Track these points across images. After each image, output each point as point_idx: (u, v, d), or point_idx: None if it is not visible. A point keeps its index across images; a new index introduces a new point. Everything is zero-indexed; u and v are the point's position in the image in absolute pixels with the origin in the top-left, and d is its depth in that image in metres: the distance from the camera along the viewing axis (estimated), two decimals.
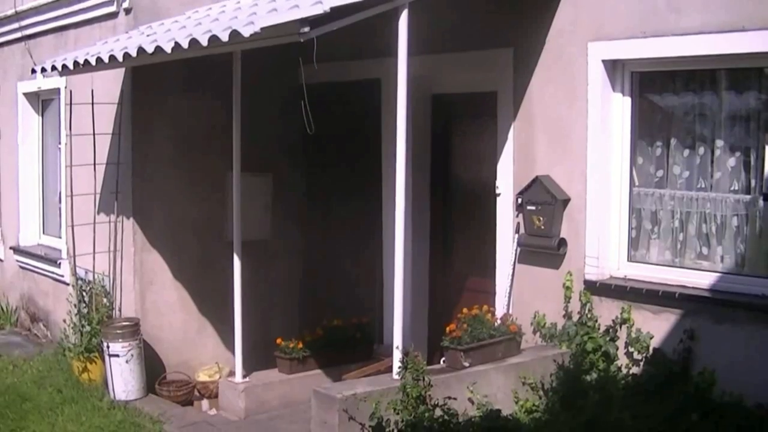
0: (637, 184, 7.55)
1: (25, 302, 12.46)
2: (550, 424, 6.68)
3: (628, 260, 7.58)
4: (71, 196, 9.97)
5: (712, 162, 7.08)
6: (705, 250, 7.17)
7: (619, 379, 7.08)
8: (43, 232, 12.40)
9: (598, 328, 7.40)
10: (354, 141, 10.03)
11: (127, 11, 9.48)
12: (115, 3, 9.57)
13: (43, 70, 9.08)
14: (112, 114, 9.63)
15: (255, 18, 6.42)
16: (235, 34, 6.23)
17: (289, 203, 10.53)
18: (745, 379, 6.47)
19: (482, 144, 8.92)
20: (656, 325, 7.09)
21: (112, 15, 9.76)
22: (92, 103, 9.67)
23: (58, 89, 10.96)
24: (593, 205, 7.52)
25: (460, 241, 9.45)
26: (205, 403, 9.28)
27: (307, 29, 6.08)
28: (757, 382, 6.42)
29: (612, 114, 7.49)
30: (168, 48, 6.95)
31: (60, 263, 11.02)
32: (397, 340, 6.90)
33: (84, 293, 9.79)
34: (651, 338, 7.09)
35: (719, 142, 7.00)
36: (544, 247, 7.79)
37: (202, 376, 9.48)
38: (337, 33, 6.34)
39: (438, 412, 6.37)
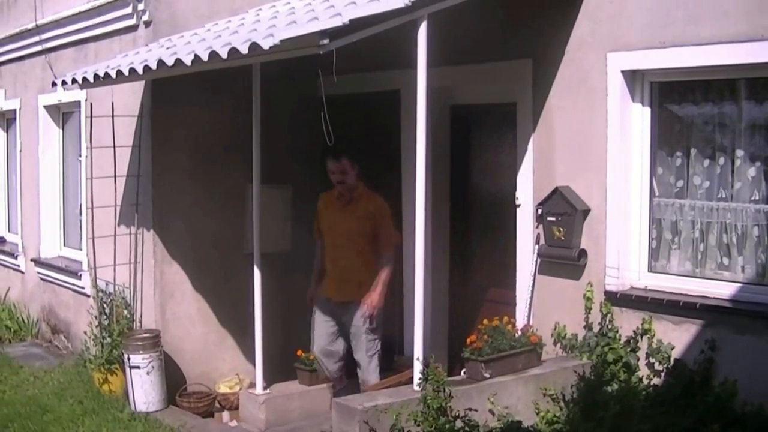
0: (657, 194, 7.53)
1: (46, 314, 12.51)
2: None
3: (648, 271, 7.56)
4: (92, 208, 10.01)
5: (732, 172, 7.05)
6: (726, 261, 7.14)
7: (640, 390, 7.05)
8: (64, 244, 12.47)
9: (619, 339, 7.38)
10: (372, 152, 10.02)
11: (147, 24, 9.52)
12: (135, 16, 9.61)
13: (64, 83, 9.16)
14: (132, 126, 9.68)
15: (274, 30, 6.44)
16: (254, 47, 6.25)
17: (307, 215, 10.53)
18: (767, 390, 6.44)
19: (502, 155, 8.92)
20: (677, 336, 7.06)
21: (132, 28, 9.80)
22: (112, 116, 9.72)
23: (79, 102, 11.02)
24: (613, 216, 7.50)
25: (480, 252, 9.44)
26: (225, 414, 9.29)
27: (326, 41, 6.09)
28: None
29: (632, 124, 7.48)
30: (188, 60, 6.98)
31: (81, 275, 11.07)
32: (418, 351, 6.89)
33: (105, 305, 9.83)
34: (672, 349, 7.07)
35: (739, 152, 6.98)
36: (564, 257, 7.77)
37: (223, 388, 9.50)
38: (356, 45, 6.35)
39: (459, 423, 6.35)
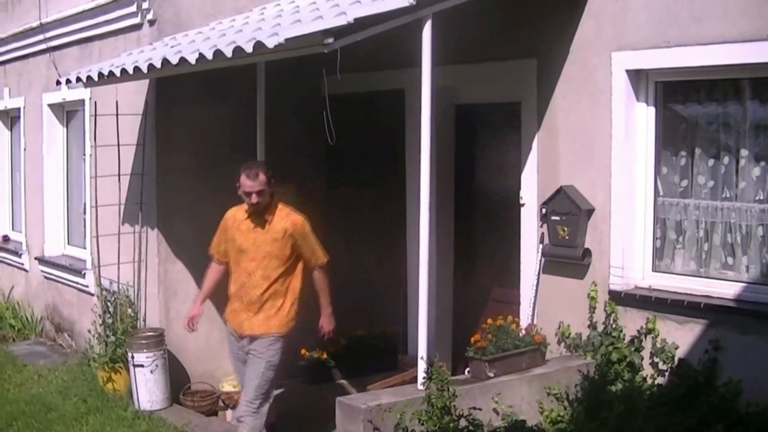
0: (661, 193, 7.53)
1: (49, 312, 12.52)
2: None
3: (652, 270, 7.55)
4: (96, 206, 10.02)
5: (736, 171, 7.05)
6: (730, 260, 7.13)
7: (644, 389, 7.05)
8: (68, 243, 12.48)
9: (623, 339, 7.37)
10: (377, 151, 10.04)
11: (151, 23, 9.53)
12: (140, 15, 9.61)
13: (68, 81, 9.16)
14: (136, 125, 9.68)
15: (279, 29, 6.45)
16: (259, 45, 6.25)
17: (311, 213, 10.51)
18: None
19: (506, 154, 8.91)
20: (681, 336, 7.06)
21: (137, 27, 9.80)
22: (116, 114, 9.72)
23: (83, 100, 11.03)
24: (618, 215, 7.50)
25: (484, 251, 9.43)
26: (229, 413, 9.28)
27: (331, 40, 6.10)
28: None
29: (636, 124, 7.48)
30: (192, 59, 6.99)
31: (85, 273, 11.08)
32: (422, 350, 6.89)
33: (109, 303, 9.83)
34: (676, 348, 7.06)
35: (744, 152, 6.97)
36: (568, 257, 7.77)
37: (227, 386, 9.48)
38: (360, 43, 6.36)
39: (463, 422, 6.37)
